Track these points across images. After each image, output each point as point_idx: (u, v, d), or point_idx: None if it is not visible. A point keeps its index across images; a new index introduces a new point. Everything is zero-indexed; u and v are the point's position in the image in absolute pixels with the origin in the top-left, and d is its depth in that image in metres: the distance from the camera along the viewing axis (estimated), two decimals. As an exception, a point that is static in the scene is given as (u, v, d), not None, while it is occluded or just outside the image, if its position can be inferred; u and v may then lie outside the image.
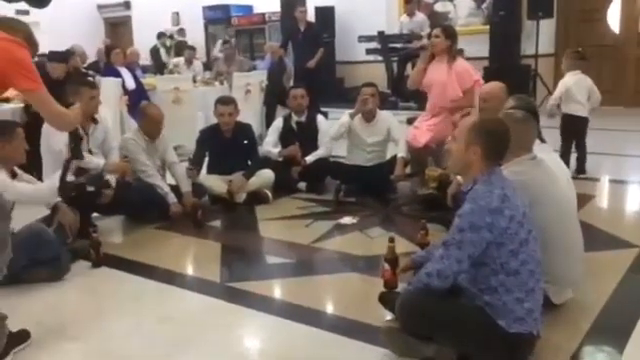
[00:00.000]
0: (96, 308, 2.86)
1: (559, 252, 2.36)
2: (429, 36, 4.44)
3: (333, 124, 4.84)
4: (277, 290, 3.02)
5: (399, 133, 4.64)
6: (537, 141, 2.69)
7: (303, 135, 4.91)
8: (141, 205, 3.99)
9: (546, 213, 2.29)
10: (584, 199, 3.88)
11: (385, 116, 4.75)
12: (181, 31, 11.91)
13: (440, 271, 2.04)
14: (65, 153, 3.19)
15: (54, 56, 4.91)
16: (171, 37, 11.71)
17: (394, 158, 4.51)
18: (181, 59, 9.60)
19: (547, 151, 2.89)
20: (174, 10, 13.04)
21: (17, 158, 3.13)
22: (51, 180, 3.08)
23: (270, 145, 4.94)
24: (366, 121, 4.68)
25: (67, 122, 2.59)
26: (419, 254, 2.70)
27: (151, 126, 4.20)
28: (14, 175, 3.15)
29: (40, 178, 3.58)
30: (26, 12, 11.67)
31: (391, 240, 2.68)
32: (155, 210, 4.09)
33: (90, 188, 3.59)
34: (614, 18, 8.68)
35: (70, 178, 3.14)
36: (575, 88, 4.81)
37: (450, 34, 4.42)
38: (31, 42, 2.47)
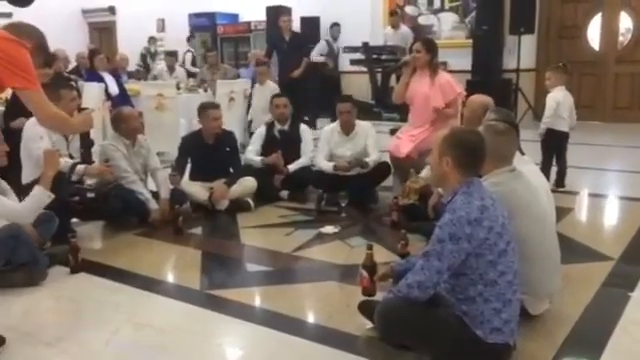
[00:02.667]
0: (73, 314, 2.83)
1: (536, 263, 2.39)
2: (410, 50, 4.49)
3: (317, 133, 4.87)
4: (257, 298, 3.01)
5: (373, 149, 4.65)
6: (517, 153, 2.74)
7: (286, 144, 4.92)
8: (121, 211, 3.96)
9: (524, 225, 2.32)
10: (562, 212, 3.93)
11: (364, 127, 4.78)
12: (152, 39, 11.86)
13: (420, 282, 2.06)
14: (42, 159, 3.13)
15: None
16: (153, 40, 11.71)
17: (375, 168, 4.56)
18: (163, 65, 9.59)
19: (527, 163, 2.93)
20: (159, 16, 13.03)
21: None
22: (30, 201, 2.99)
23: (252, 153, 4.94)
24: (345, 134, 4.71)
25: (66, 125, 2.59)
26: (399, 262, 2.71)
27: (128, 125, 4.16)
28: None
29: (19, 182, 3.54)
30: (9, 14, 11.59)
31: (369, 247, 2.68)
32: (135, 216, 4.07)
33: (90, 194, 3.66)
34: (594, 35, 8.86)
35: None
36: (562, 103, 4.88)
37: (430, 48, 4.49)
38: (42, 50, 2.48)
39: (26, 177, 3.64)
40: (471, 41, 8.94)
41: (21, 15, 12.02)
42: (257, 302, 2.97)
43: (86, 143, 3.16)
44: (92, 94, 6.27)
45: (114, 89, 7.11)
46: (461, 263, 2.03)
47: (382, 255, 3.19)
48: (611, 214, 4.61)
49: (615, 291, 2.90)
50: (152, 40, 11.64)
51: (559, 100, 4.87)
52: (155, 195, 4.17)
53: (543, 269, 2.43)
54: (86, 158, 4.02)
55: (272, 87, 6.65)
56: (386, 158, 4.70)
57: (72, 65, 8.62)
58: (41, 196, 2.99)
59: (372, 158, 4.56)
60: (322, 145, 4.80)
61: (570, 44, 8.89)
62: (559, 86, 4.94)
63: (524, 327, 2.29)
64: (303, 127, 5.09)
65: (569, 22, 8.90)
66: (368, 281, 2.62)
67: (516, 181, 2.45)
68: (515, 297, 2.10)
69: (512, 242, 2.10)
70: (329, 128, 4.86)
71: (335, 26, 9.99)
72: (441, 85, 4.41)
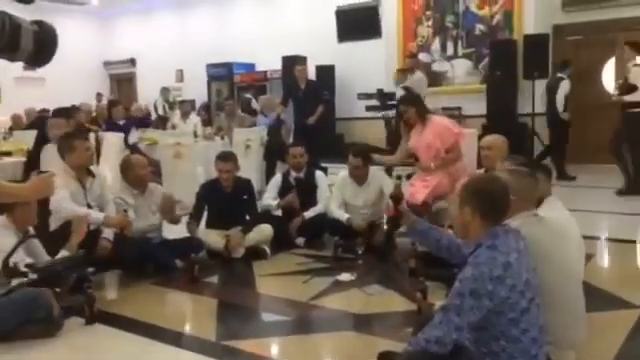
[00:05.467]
0: (87, 366, 2.79)
1: (560, 312, 2.31)
2: (399, 114, 4.65)
3: (332, 179, 4.87)
4: (274, 349, 2.96)
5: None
6: (552, 198, 2.71)
7: (302, 191, 4.92)
8: (138, 260, 3.96)
9: (546, 271, 2.26)
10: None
11: (377, 175, 4.77)
12: (164, 89, 12.04)
13: (439, 338, 1.99)
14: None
15: (57, 112, 5.00)
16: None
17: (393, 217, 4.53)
18: (177, 113, 9.76)
19: (559, 208, 2.88)
20: (178, 67, 13.38)
21: (31, 220, 3.17)
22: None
23: (269, 200, 4.96)
24: (357, 184, 4.72)
25: (12, 196, 2.26)
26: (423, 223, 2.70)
27: (135, 173, 4.21)
28: (26, 233, 3.15)
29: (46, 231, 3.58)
30: (33, 68, 11.98)
31: (398, 177, 3.01)
32: (152, 265, 4.06)
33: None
34: (609, 78, 8.87)
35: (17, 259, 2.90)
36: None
37: (412, 101, 4.66)
38: None
39: (53, 226, 3.69)
40: (485, 86, 9.00)
41: (44, 68, 12.45)
42: (274, 353, 2.91)
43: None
44: (111, 144, 6.40)
45: (133, 138, 7.24)
46: (482, 319, 1.97)
47: (400, 303, 3.14)
48: (633, 260, 4.50)
49: (644, 341, 2.80)
50: (165, 90, 11.86)
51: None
52: (171, 243, 4.17)
53: (566, 318, 2.35)
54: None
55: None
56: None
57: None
58: None
59: None
60: (336, 193, 4.79)
61: (585, 88, 8.89)
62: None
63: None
64: (318, 174, 5.11)
65: (583, 66, 8.93)
66: (394, 210, 2.69)
67: (537, 226, 2.40)
68: (541, 352, 2.03)
69: (537, 298, 2.03)
70: (342, 176, 4.84)
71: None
72: (438, 133, 4.48)
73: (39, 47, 1.13)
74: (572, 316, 2.38)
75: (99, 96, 12.31)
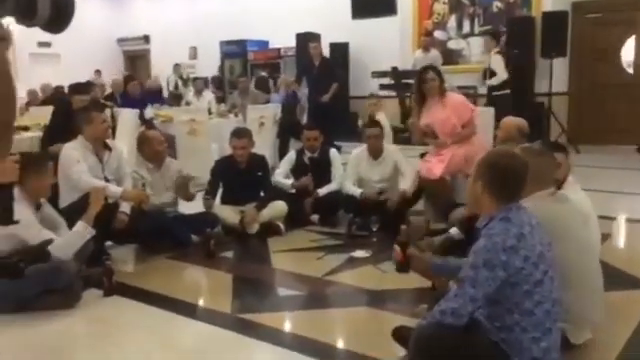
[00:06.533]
0: (104, 337, 2.84)
1: (577, 290, 2.30)
2: (421, 80, 4.47)
3: (345, 158, 4.87)
4: (288, 323, 2.99)
5: (407, 167, 4.68)
6: (570, 179, 2.68)
7: (316, 170, 4.93)
8: (154, 234, 4.00)
9: (564, 250, 2.25)
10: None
11: (392, 151, 4.80)
12: (177, 66, 12.05)
13: (454, 310, 2.00)
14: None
15: (79, 88, 5.05)
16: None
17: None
18: (191, 90, 9.77)
19: (575, 189, 2.86)
20: (192, 44, 13.33)
21: (44, 192, 3.20)
22: (71, 237, 3.17)
23: (281, 176, 4.96)
24: (373, 158, 4.72)
25: None
26: (437, 258, 2.69)
27: (150, 148, 4.25)
28: (38, 206, 3.19)
29: (56, 204, 3.61)
30: (47, 44, 12.02)
31: (406, 223, 2.89)
32: (168, 239, 4.10)
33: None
34: (628, 57, 8.72)
35: None
36: None
37: (440, 72, 4.56)
38: None
39: (63, 201, 3.73)
40: (502, 65, 8.89)
41: (59, 45, 12.45)
42: (288, 327, 2.94)
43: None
44: (126, 119, 6.43)
45: (149, 113, 7.27)
46: (496, 291, 1.98)
47: (414, 280, 3.13)
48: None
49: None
50: (177, 67, 11.86)
51: None
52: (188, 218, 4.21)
53: (584, 296, 2.35)
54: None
55: None
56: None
57: (107, 92, 8.89)
58: (83, 232, 3.16)
59: (408, 184, 4.53)
60: (350, 170, 4.80)
61: (603, 66, 8.75)
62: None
63: (565, 356, 2.21)
64: (332, 151, 5.10)
65: (602, 44, 8.78)
66: (401, 255, 2.60)
67: (556, 205, 2.38)
68: (555, 326, 2.03)
69: (550, 270, 2.03)
70: (357, 153, 4.86)
71: None
72: (455, 107, 4.43)
73: (56, 12, 1.12)
74: (590, 295, 2.38)
75: (97, 73, 12.32)
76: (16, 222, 1.89)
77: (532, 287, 1.97)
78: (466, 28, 9.67)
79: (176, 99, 9.51)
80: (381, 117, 6.84)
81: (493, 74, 7.93)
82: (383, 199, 4.54)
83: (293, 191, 4.90)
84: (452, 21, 9.77)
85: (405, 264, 2.62)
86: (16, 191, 3.04)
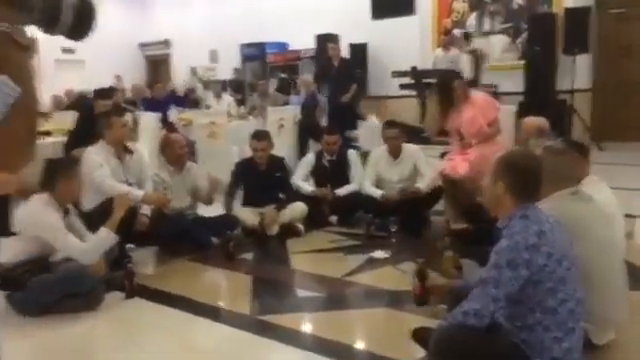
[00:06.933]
0: (126, 338, 2.88)
1: (600, 290, 2.26)
2: (449, 88, 4.53)
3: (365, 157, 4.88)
4: (307, 324, 2.99)
5: (426, 168, 4.66)
6: (593, 177, 2.64)
7: (335, 172, 4.93)
8: (175, 236, 4.04)
9: (584, 249, 2.21)
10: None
11: (411, 151, 4.78)
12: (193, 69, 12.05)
13: (477, 310, 1.97)
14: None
15: (102, 93, 5.17)
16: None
17: (427, 194, 4.51)
18: (210, 93, 9.86)
19: (600, 188, 2.81)
20: (212, 48, 13.43)
21: (74, 196, 3.26)
22: (96, 242, 3.20)
23: (300, 179, 4.96)
24: (393, 158, 4.70)
25: None
26: (457, 281, 2.64)
27: (172, 151, 4.29)
28: (66, 211, 3.25)
29: (77, 207, 3.67)
30: (72, 51, 12.22)
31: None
32: (188, 241, 4.13)
33: None
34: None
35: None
36: None
37: (463, 79, 4.65)
38: None
39: (87, 204, 3.79)
40: (523, 62, 8.78)
41: (83, 51, 12.59)
42: (307, 328, 2.95)
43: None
44: (148, 123, 6.51)
45: (172, 116, 7.35)
46: (518, 291, 1.95)
47: (434, 281, 3.12)
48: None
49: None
50: (193, 70, 11.93)
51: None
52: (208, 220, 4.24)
53: (606, 296, 2.31)
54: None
55: None
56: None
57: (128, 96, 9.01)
58: (107, 238, 3.18)
59: (426, 183, 4.52)
60: (370, 170, 4.79)
61: (627, 63, 8.58)
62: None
63: (587, 357, 2.17)
64: (351, 152, 5.10)
65: (625, 41, 8.61)
66: (420, 288, 2.55)
67: (577, 203, 2.34)
68: (578, 326, 1.99)
69: (573, 268, 2.00)
70: (377, 153, 4.85)
71: None
72: (481, 106, 4.43)
73: (78, 20, 1.14)
74: (613, 295, 2.34)
75: (117, 78, 12.48)
76: (14, 234, 1.87)
77: (556, 285, 1.94)
78: (486, 26, 9.57)
79: (193, 101, 9.59)
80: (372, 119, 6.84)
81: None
82: (408, 194, 4.50)
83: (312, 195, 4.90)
84: (472, 19, 9.67)
85: (424, 297, 2.57)
86: (45, 196, 3.12)
